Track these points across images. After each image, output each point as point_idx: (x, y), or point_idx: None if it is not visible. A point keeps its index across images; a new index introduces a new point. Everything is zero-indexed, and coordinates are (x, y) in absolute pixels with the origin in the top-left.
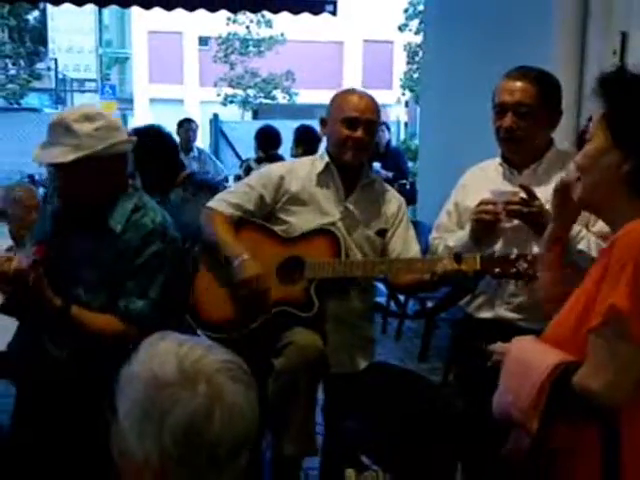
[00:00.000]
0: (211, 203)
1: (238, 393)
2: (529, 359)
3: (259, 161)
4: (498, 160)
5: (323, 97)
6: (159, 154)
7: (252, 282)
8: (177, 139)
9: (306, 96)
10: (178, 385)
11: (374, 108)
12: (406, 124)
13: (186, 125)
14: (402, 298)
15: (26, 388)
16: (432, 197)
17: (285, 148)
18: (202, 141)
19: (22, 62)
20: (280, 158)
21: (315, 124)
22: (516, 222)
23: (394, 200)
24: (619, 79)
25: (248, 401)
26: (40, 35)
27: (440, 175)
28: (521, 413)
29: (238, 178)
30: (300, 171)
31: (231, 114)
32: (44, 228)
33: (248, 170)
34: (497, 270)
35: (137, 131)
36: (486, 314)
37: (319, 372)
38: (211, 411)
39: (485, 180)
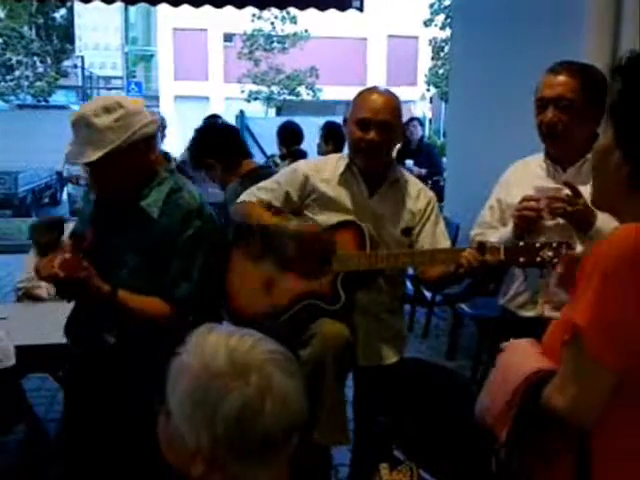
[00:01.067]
0: (242, 198)
1: (287, 383)
2: (511, 362)
3: (283, 157)
4: (542, 156)
5: (347, 93)
6: (218, 146)
7: (311, 229)
8: None
9: (330, 92)
10: (229, 375)
11: (391, 108)
12: (430, 120)
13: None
14: (428, 295)
15: (78, 377)
16: (459, 194)
17: (309, 144)
18: None
19: (49, 60)
20: (303, 154)
21: (339, 120)
22: (560, 220)
23: (422, 196)
24: (631, 72)
25: (296, 390)
26: (67, 33)
27: (468, 172)
28: (493, 420)
29: None
30: (325, 170)
31: (255, 110)
32: (85, 217)
33: (274, 166)
34: (522, 259)
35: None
36: (529, 313)
37: (346, 361)
38: (262, 401)
39: (528, 176)
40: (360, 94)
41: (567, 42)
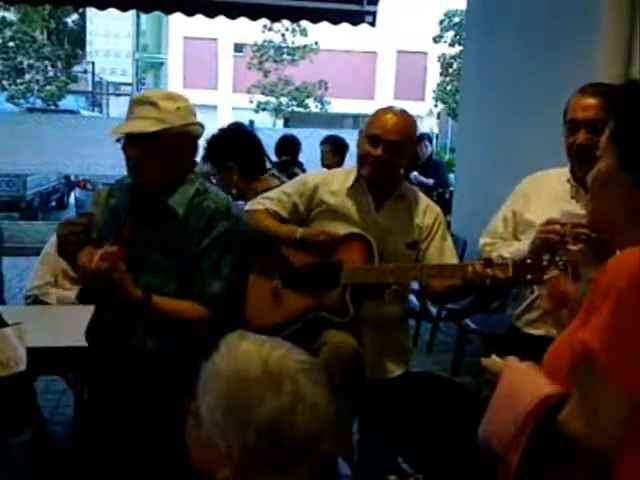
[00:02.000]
0: (249, 207)
1: (317, 392)
2: (518, 386)
3: (281, 169)
4: (566, 174)
5: (355, 107)
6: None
7: (320, 234)
8: None
9: (338, 105)
10: (263, 383)
11: (403, 129)
12: (437, 136)
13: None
14: (434, 310)
15: (101, 380)
16: (467, 210)
17: (315, 156)
18: None
19: (60, 64)
20: (295, 164)
21: (345, 134)
22: (582, 246)
23: (429, 211)
24: (629, 95)
25: (325, 400)
26: (78, 38)
27: (476, 188)
28: (501, 445)
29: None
30: (334, 182)
31: (262, 121)
32: (109, 224)
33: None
34: (529, 277)
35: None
36: (538, 331)
37: (354, 371)
38: (294, 410)
39: (550, 194)
40: (377, 111)
41: (580, 57)
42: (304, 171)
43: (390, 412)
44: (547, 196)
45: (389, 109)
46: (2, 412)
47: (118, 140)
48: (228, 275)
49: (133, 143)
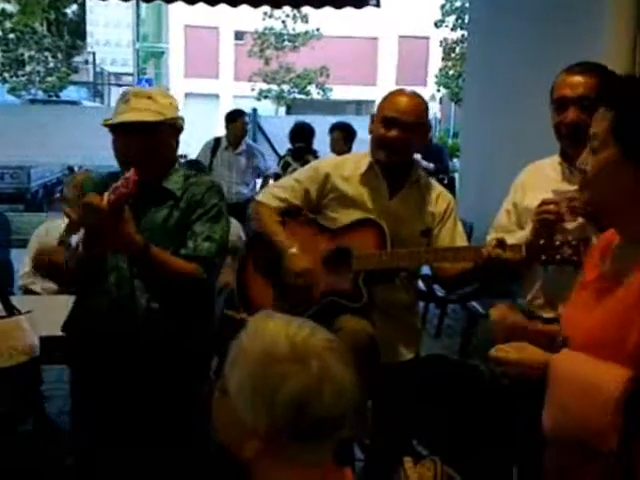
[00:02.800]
0: (259, 197)
1: (343, 371)
2: (590, 375)
3: (295, 157)
4: (557, 159)
5: (357, 93)
6: None
7: (300, 275)
8: (224, 133)
9: (340, 92)
10: (290, 361)
11: (416, 110)
12: (440, 121)
13: (240, 118)
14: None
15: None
16: (472, 194)
17: (322, 143)
18: None
19: (60, 55)
20: (308, 151)
21: (349, 120)
22: (580, 221)
23: (442, 199)
24: (628, 87)
25: (351, 379)
26: (78, 29)
27: (481, 173)
28: (594, 434)
29: (277, 176)
30: (346, 168)
31: (264, 109)
32: None
33: (286, 166)
34: (543, 257)
35: None
36: (548, 313)
37: (370, 357)
38: (321, 387)
39: (543, 179)
40: (389, 93)
41: (586, 43)
42: (317, 159)
43: (403, 395)
44: (542, 182)
45: (401, 91)
46: (15, 399)
47: (113, 130)
48: (220, 240)
49: (130, 133)
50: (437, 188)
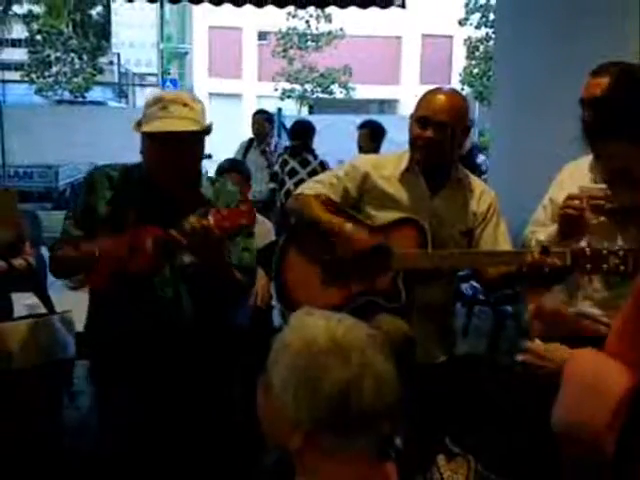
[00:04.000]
0: (300, 190)
1: (384, 365)
2: (600, 376)
3: (293, 154)
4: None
5: (380, 92)
6: None
7: (364, 242)
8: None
9: (363, 91)
10: (332, 354)
11: (450, 109)
12: None
13: (259, 116)
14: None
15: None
16: (501, 193)
17: (344, 142)
18: None
19: (86, 56)
20: (306, 149)
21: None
22: (602, 219)
23: (484, 198)
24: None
25: (392, 373)
26: (103, 30)
27: (511, 173)
28: (595, 432)
29: (275, 175)
30: (386, 167)
31: (287, 109)
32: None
33: (284, 164)
34: (588, 266)
35: None
36: (570, 309)
37: (406, 355)
38: (362, 381)
39: (580, 177)
40: (426, 92)
41: (615, 41)
42: (315, 157)
43: (437, 394)
44: (578, 180)
45: (437, 90)
46: (41, 398)
47: (151, 137)
48: (255, 252)
49: (169, 141)
50: (479, 187)
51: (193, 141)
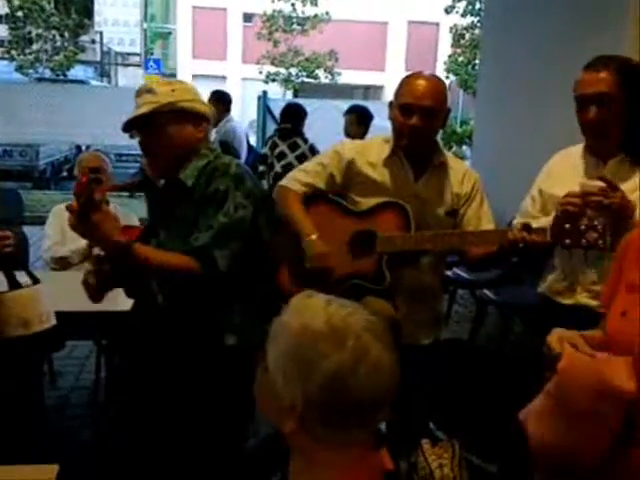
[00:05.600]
0: (284, 182)
1: (382, 352)
2: (598, 375)
3: (283, 137)
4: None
5: (365, 78)
6: None
7: (318, 259)
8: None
9: (348, 76)
10: (328, 339)
11: (435, 93)
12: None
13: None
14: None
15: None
16: (485, 182)
17: (329, 126)
18: (250, 117)
19: (67, 34)
20: (295, 133)
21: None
22: (602, 218)
23: (467, 178)
24: None
25: (390, 360)
26: (86, 7)
27: (494, 161)
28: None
29: (264, 157)
30: (370, 153)
31: (272, 92)
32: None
33: (273, 147)
34: (567, 241)
35: None
36: (566, 300)
37: (393, 337)
38: (357, 366)
39: (570, 169)
40: (405, 78)
41: (608, 31)
42: (305, 141)
43: (422, 378)
44: (569, 171)
45: (417, 75)
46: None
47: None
48: (220, 227)
49: (135, 131)
50: (462, 168)
51: (143, 125)
